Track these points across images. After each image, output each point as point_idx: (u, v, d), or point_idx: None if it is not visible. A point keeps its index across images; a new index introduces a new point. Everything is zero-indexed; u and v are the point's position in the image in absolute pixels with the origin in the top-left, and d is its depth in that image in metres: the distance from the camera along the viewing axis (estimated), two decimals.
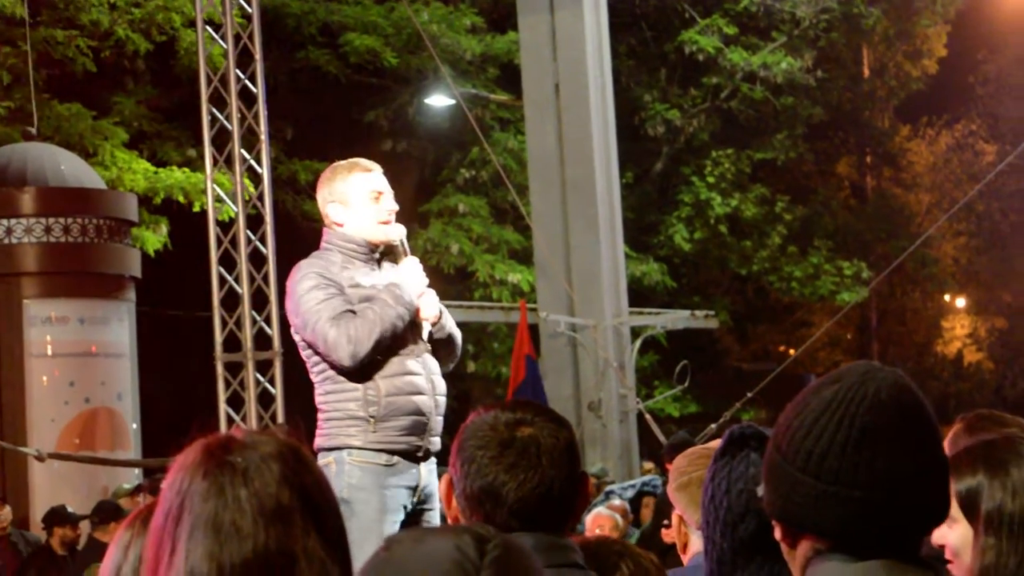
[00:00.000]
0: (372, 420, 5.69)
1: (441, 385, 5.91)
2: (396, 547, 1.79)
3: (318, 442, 5.79)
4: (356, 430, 5.72)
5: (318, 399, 5.84)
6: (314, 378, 5.88)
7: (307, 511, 2.08)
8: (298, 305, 5.79)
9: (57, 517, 12.10)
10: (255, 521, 2.04)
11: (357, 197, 5.89)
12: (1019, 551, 2.91)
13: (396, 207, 5.96)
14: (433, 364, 5.90)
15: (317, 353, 5.79)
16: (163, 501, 2.11)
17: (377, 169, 5.98)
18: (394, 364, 5.77)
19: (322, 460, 5.74)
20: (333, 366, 5.74)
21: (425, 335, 5.89)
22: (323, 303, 5.71)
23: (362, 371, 5.72)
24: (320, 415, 5.84)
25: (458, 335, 6.06)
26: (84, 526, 12.34)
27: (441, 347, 5.97)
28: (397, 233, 5.92)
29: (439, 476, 5.93)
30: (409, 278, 5.85)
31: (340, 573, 2.03)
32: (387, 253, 5.96)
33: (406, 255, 5.94)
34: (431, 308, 5.88)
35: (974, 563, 2.92)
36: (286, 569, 2.03)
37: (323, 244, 5.95)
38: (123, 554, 2.43)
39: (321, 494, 2.13)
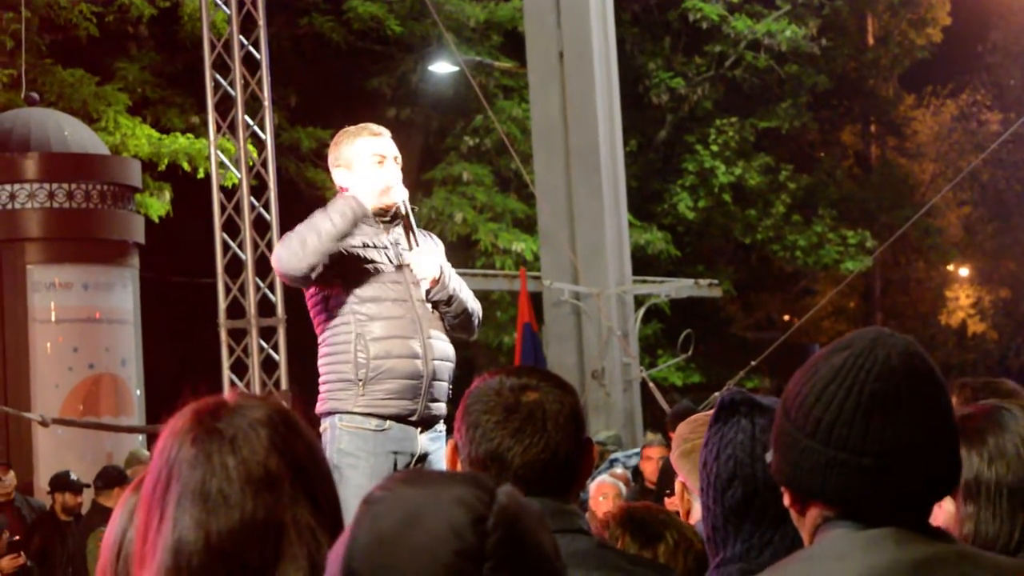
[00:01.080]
0: (360, 383, 5.70)
1: (442, 350, 5.88)
2: (383, 520, 1.71)
3: (317, 407, 5.83)
4: (346, 394, 5.74)
5: (318, 364, 5.87)
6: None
7: (297, 479, 2.06)
8: None
9: (60, 483, 12.12)
10: (243, 490, 2.03)
11: (360, 161, 5.90)
12: (997, 516, 2.92)
13: (399, 172, 5.95)
14: (433, 328, 5.88)
15: (313, 304, 5.87)
16: (153, 467, 2.11)
17: (386, 134, 5.99)
18: (385, 326, 5.77)
19: (322, 426, 5.79)
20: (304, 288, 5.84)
21: (422, 293, 5.86)
22: (299, 226, 5.78)
23: (310, 279, 5.71)
24: (319, 380, 5.87)
25: (472, 304, 6.02)
26: (87, 493, 12.36)
27: (448, 312, 5.93)
28: (399, 197, 5.90)
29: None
30: (419, 259, 5.87)
31: (331, 541, 2.01)
32: (396, 217, 5.96)
33: (409, 218, 5.92)
34: (428, 267, 5.84)
35: (956, 534, 2.93)
36: (274, 537, 2.02)
37: None
38: (129, 518, 2.42)
39: (312, 461, 2.11)
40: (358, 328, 5.74)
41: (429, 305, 5.89)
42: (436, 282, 5.85)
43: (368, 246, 5.83)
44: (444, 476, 1.79)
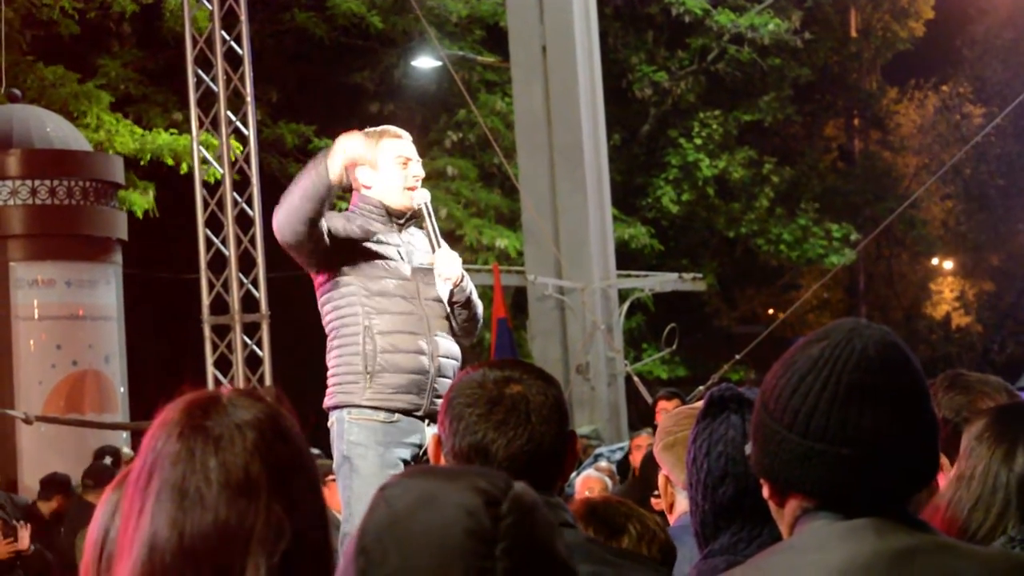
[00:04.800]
0: (368, 376, 5.76)
1: (445, 348, 5.97)
2: (398, 502, 1.73)
3: (325, 402, 5.92)
4: (354, 388, 5.81)
5: (327, 357, 5.94)
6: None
7: (277, 485, 2.05)
8: None
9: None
10: (219, 492, 2.02)
11: (385, 161, 5.99)
12: (981, 498, 2.96)
13: (422, 173, 6.07)
14: (439, 327, 5.96)
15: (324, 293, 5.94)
16: (139, 457, 2.10)
17: (407, 137, 6.10)
18: (392, 321, 5.85)
19: (330, 420, 5.88)
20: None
21: (445, 294, 5.95)
22: None
23: (306, 242, 5.74)
24: (328, 374, 5.95)
25: (479, 309, 6.13)
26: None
27: (461, 314, 6.04)
28: (421, 198, 6.00)
29: None
30: (441, 261, 5.94)
31: (309, 549, 2.02)
32: (412, 218, 6.05)
33: (430, 219, 6.02)
34: (452, 267, 5.94)
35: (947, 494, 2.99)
36: (243, 543, 2.01)
37: (350, 207, 6.07)
38: (111, 515, 2.41)
39: (296, 468, 2.10)
40: (366, 320, 5.82)
41: (438, 305, 5.98)
42: (459, 282, 5.97)
43: (381, 242, 5.92)
44: (460, 469, 1.80)
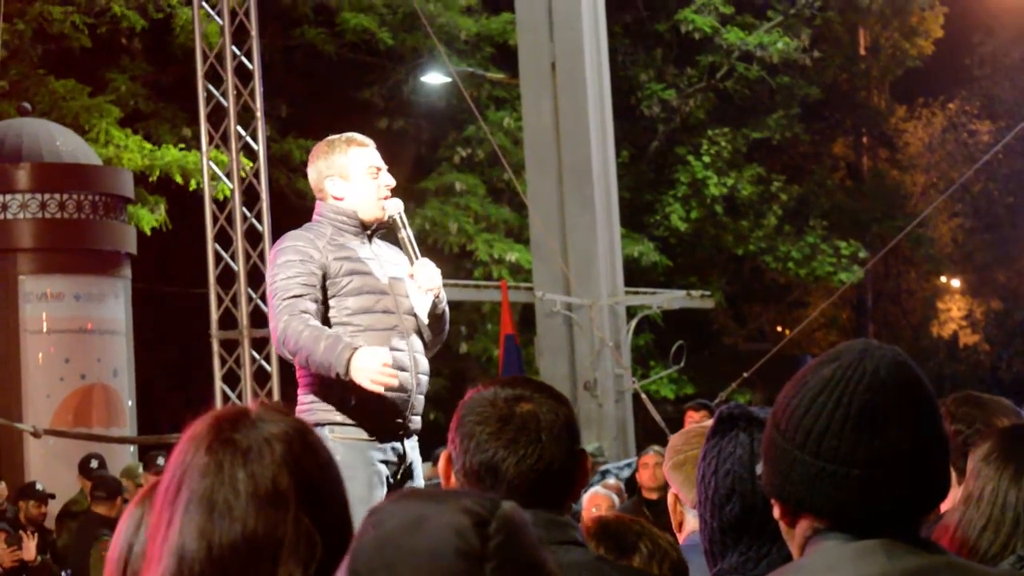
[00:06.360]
0: (352, 395, 5.57)
1: (424, 364, 5.85)
2: (387, 524, 1.74)
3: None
4: (334, 404, 5.65)
5: (298, 373, 5.77)
6: None
7: (304, 497, 2.07)
8: (270, 274, 5.76)
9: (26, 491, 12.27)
10: (248, 504, 2.05)
11: (357, 172, 5.84)
12: (991, 520, 2.98)
13: (393, 182, 5.92)
14: (417, 343, 5.84)
15: None
16: (168, 471, 2.12)
17: (372, 144, 5.95)
18: (377, 339, 5.68)
19: None
20: None
21: (425, 306, 5.82)
22: (288, 280, 5.65)
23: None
24: (300, 390, 5.79)
25: (448, 322, 6.02)
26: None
27: (437, 326, 5.91)
28: (394, 208, 5.87)
29: (420, 453, 5.95)
30: (414, 284, 5.80)
31: (337, 561, 2.03)
32: (382, 227, 5.92)
33: (404, 228, 5.87)
34: (432, 278, 5.80)
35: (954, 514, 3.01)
36: (272, 554, 2.03)
37: (315, 217, 5.90)
38: (135, 532, 2.42)
39: (324, 480, 2.12)
40: (348, 340, 5.59)
41: (413, 318, 5.84)
42: (436, 295, 5.83)
43: (360, 259, 5.79)
44: (448, 491, 1.81)
